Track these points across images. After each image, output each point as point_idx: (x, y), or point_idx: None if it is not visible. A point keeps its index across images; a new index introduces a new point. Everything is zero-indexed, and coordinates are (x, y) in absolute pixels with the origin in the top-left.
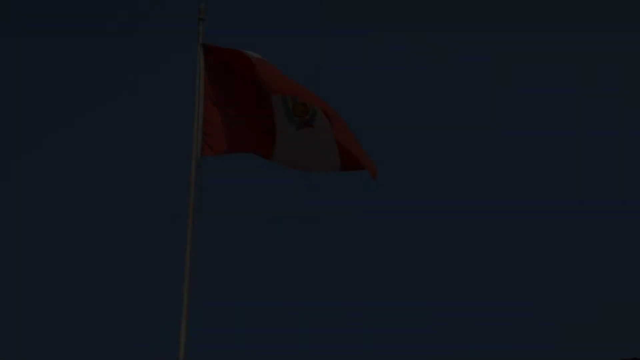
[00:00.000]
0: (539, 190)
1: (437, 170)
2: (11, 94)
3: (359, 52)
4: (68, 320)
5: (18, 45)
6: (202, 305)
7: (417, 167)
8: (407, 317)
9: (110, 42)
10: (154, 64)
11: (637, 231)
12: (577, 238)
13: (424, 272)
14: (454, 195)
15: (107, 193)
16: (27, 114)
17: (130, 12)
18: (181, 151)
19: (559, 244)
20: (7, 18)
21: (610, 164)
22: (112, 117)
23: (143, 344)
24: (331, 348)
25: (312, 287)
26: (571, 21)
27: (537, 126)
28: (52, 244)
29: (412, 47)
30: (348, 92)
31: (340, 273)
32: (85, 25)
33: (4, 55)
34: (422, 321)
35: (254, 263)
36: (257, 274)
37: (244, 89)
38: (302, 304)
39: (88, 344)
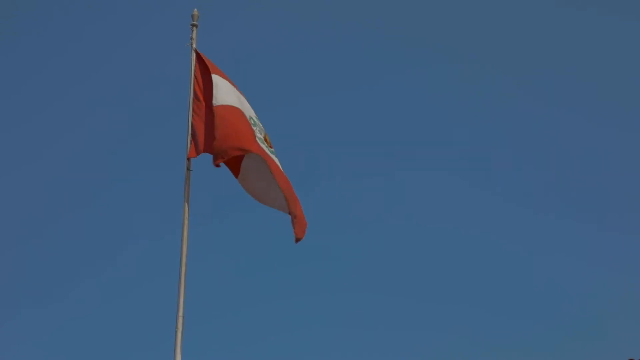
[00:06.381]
0: None
1: None
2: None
3: (352, 59)
4: (67, 320)
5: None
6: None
7: None
8: None
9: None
10: (149, 67)
11: None
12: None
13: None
14: None
15: (104, 195)
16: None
17: (125, 17)
18: (174, 154)
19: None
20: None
21: None
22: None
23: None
24: None
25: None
26: None
27: None
28: (50, 243)
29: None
30: (339, 93)
31: None
32: (83, 27)
33: None
34: None
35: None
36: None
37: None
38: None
39: (87, 345)
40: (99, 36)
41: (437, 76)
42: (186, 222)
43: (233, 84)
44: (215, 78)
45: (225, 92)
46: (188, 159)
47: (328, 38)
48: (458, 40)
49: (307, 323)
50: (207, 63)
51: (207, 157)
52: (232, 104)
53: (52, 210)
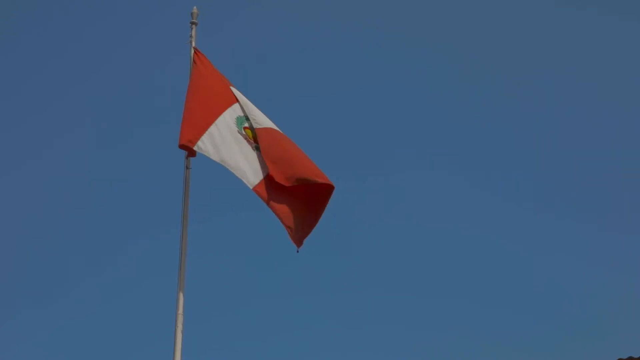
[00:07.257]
0: None
1: None
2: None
3: (352, 59)
4: (67, 320)
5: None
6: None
7: None
8: None
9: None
10: (149, 67)
11: None
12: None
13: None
14: None
15: (104, 197)
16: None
17: (125, 17)
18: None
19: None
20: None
21: None
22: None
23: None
24: None
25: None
26: None
27: None
28: (50, 243)
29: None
30: (339, 93)
31: None
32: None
33: None
34: None
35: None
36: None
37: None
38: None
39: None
40: (99, 36)
41: (437, 76)
42: (186, 221)
43: (234, 87)
44: (235, 92)
45: (259, 113)
46: (187, 158)
47: (328, 38)
48: (458, 40)
49: (307, 323)
50: (222, 77)
51: (207, 157)
52: (271, 126)
53: (52, 210)
